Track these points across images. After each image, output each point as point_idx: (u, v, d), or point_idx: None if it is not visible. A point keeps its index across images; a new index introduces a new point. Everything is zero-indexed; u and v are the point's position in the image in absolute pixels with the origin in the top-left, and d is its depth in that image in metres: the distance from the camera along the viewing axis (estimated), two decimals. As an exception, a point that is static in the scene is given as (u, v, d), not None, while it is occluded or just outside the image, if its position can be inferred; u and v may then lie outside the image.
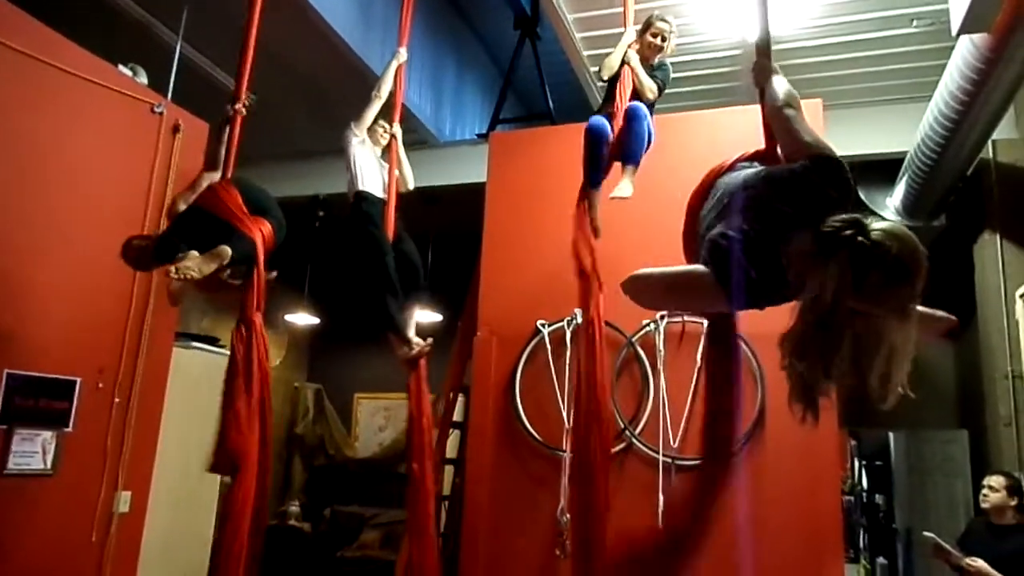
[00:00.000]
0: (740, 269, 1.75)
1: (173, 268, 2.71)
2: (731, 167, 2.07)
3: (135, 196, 3.92)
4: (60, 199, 3.59)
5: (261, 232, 2.96)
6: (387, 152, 3.82)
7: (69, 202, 3.63)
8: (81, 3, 4.36)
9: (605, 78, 3.37)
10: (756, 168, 1.98)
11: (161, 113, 4.06)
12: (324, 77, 5.26)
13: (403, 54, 3.80)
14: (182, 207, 3.07)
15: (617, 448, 3.76)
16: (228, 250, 2.81)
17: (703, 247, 1.91)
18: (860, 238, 1.53)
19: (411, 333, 3.58)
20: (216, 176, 3.10)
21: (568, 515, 3.68)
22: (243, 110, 3.11)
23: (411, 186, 3.96)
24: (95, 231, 3.67)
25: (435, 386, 6.54)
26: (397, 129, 3.86)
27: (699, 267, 1.92)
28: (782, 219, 1.72)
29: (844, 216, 1.60)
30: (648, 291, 2.39)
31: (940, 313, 2.01)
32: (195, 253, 2.78)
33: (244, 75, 3.16)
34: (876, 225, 1.56)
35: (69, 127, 3.64)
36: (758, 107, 2.18)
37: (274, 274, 3.18)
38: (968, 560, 3.47)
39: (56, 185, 3.57)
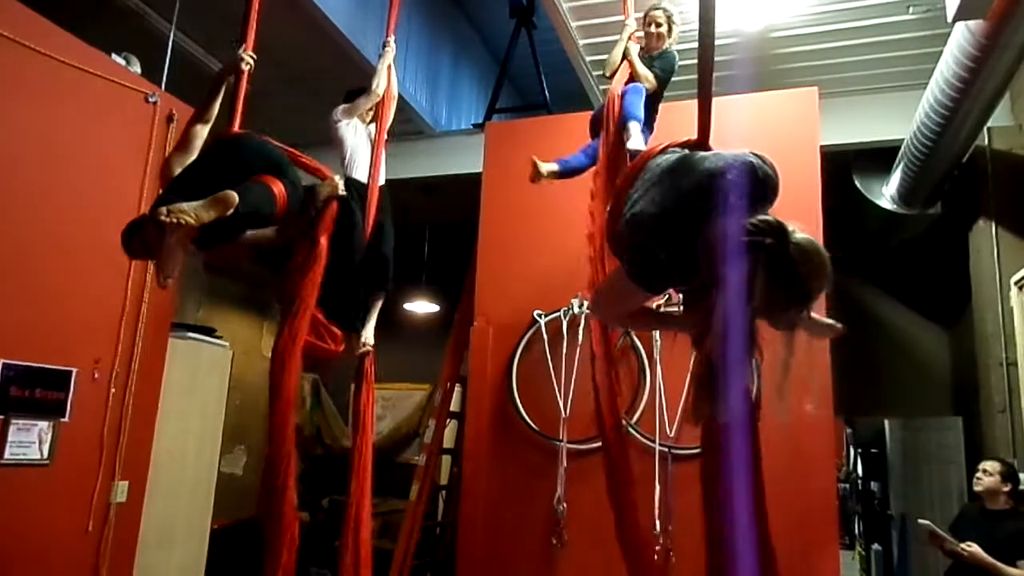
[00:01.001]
0: (651, 245, 1.77)
1: (164, 210, 2.24)
2: (662, 152, 2.10)
3: (130, 186, 3.89)
4: (54, 190, 3.57)
5: (274, 188, 2.59)
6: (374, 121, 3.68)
7: (63, 193, 3.61)
8: (73, -9, 4.33)
9: (608, 75, 3.38)
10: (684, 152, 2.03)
11: (155, 103, 4.03)
12: (323, 70, 5.23)
13: (390, 54, 3.62)
14: (177, 170, 2.71)
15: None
16: (234, 196, 2.35)
17: (623, 224, 1.93)
18: (779, 247, 1.55)
19: (366, 333, 3.37)
20: (207, 129, 2.83)
21: (564, 504, 3.71)
22: (250, 60, 2.95)
23: None
24: (89, 222, 3.65)
25: (432, 376, 6.60)
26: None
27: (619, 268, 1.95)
28: (698, 202, 1.73)
29: (770, 220, 1.61)
30: (601, 307, 2.38)
31: (828, 321, 2.06)
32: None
33: (252, 21, 3.02)
34: (796, 238, 1.57)
35: (62, 117, 3.62)
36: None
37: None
38: (963, 545, 3.49)
39: (49, 176, 3.55)
